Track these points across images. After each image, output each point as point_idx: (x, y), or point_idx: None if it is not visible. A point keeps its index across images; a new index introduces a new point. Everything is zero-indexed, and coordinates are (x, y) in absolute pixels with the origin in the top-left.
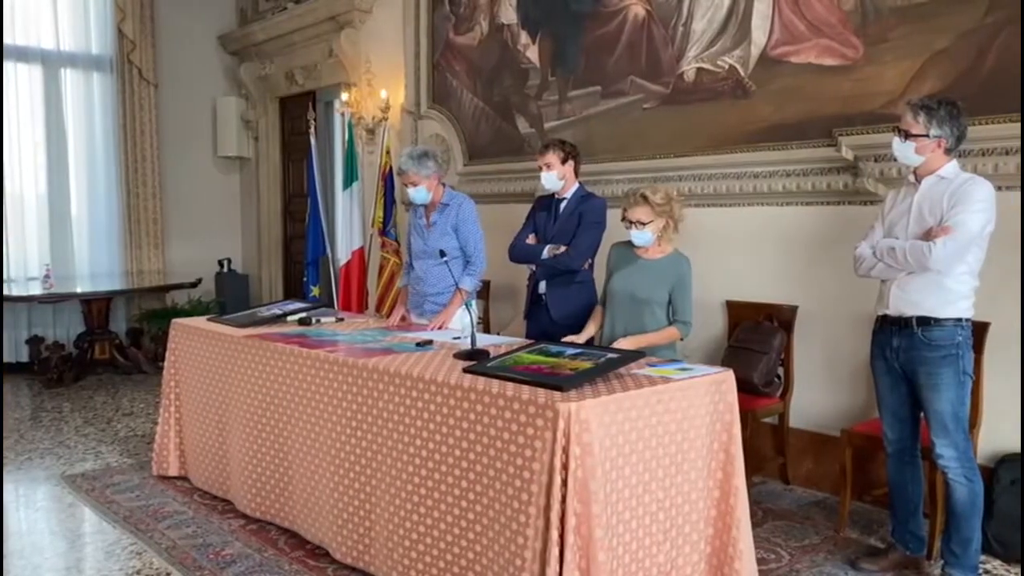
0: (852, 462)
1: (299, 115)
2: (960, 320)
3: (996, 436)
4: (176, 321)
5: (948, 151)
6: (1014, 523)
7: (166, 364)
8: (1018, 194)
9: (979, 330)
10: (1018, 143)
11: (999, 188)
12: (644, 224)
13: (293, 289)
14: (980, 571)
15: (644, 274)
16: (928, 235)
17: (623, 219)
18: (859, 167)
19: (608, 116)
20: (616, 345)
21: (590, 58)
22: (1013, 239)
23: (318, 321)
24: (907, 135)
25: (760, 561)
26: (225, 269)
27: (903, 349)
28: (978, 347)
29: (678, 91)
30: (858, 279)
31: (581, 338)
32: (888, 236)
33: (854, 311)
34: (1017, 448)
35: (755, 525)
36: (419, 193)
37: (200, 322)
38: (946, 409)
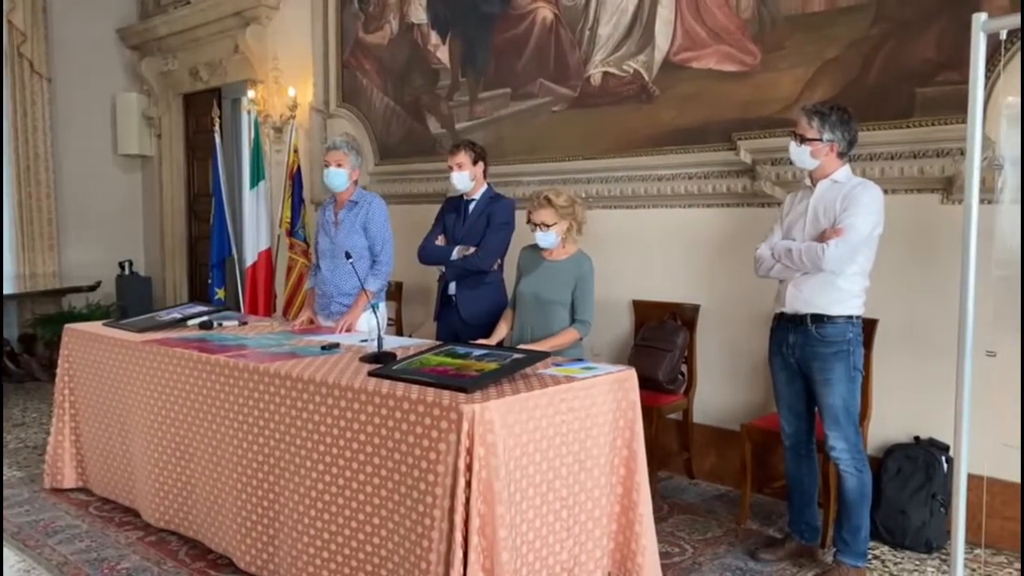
0: (752, 456)
1: (204, 112)
2: (851, 317)
3: (884, 428)
4: (69, 327)
5: (840, 155)
6: (900, 511)
7: (59, 372)
8: (905, 196)
9: (869, 327)
10: (903, 148)
11: (885, 191)
12: (549, 226)
13: (198, 292)
14: (869, 557)
15: (549, 276)
16: (822, 237)
17: (528, 221)
18: (757, 170)
19: (518, 118)
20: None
21: (500, 60)
22: (900, 240)
23: (220, 325)
24: (802, 139)
25: (664, 555)
26: (126, 271)
27: (798, 346)
28: (868, 343)
29: (585, 94)
30: (757, 279)
31: (492, 340)
32: (786, 238)
33: (753, 310)
34: (903, 439)
35: (660, 519)
36: (340, 177)
37: (95, 327)
38: (837, 403)
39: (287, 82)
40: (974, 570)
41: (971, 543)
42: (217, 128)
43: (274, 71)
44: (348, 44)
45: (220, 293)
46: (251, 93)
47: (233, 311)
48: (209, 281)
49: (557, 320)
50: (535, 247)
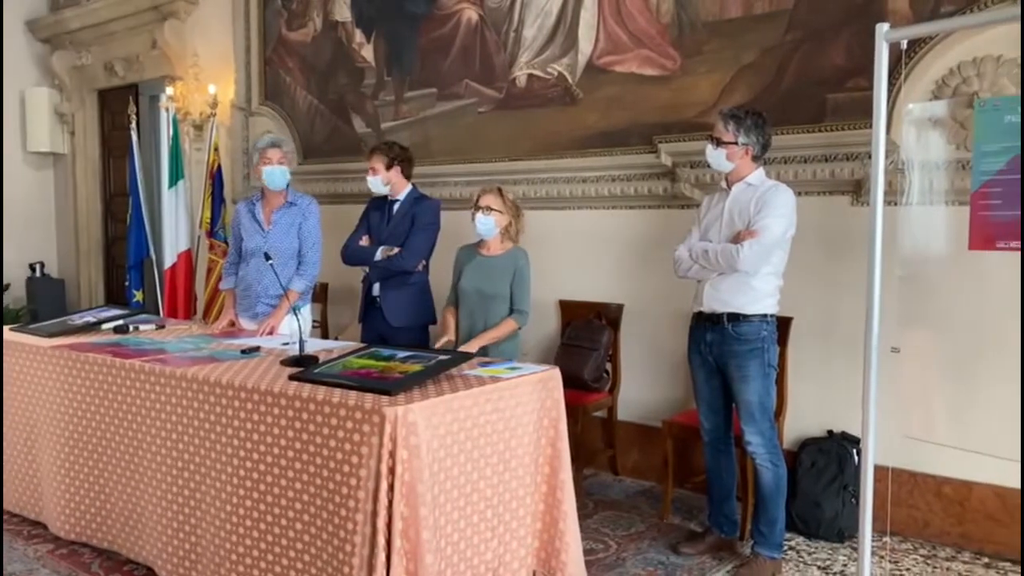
0: (674, 451)
1: (120, 109)
2: (765, 316)
3: (799, 423)
4: None
5: (755, 158)
6: (814, 502)
7: None
8: (817, 198)
9: (783, 325)
10: (815, 152)
11: (798, 194)
12: (492, 210)
13: (115, 294)
14: (785, 548)
15: (488, 270)
16: (737, 238)
17: (474, 206)
18: (677, 173)
19: (444, 118)
20: (463, 349)
21: (426, 60)
22: (813, 241)
23: (136, 329)
24: (718, 142)
25: (589, 551)
26: (37, 273)
27: (715, 344)
28: (783, 341)
29: (511, 96)
30: (678, 279)
31: (448, 335)
32: (703, 239)
33: (674, 309)
34: (817, 433)
35: (585, 516)
36: (284, 175)
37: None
38: (753, 399)
39: (207, 79)
40: (882, 557)
41: (879, 531)
42: (134, 125)
43: (194, 68)
44: (271, 41)
45: (138, 295)
46: (169, 90)
47: (151, 314)
48: (126, 283)
49: (501, 313)
50: (471, 246)
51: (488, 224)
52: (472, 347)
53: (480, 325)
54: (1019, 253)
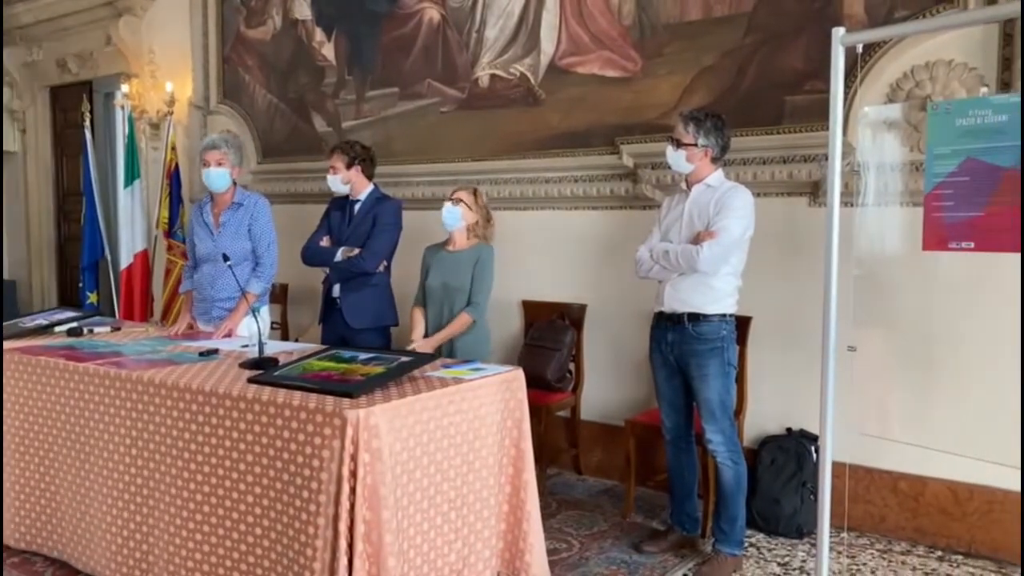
0: (636, 450)
1: (73, 106)
2: (725, 316)
3: (759, 421)
4: None
5: (714, 160)
6: (774, 499)
7: None
8: (775, 200)
9: (743, 324)
10: (773, 153)
11: (757, 195)
12: (460, 202)
13: (68, 296)
14: (745, 545)
15: (453, 265)
16: (697, 239)
17: (448, 198)
18: (638, 174)
19: (406, 118)
20: (418, 349)
21: (387, 59)
22: (772, 241)
23: (90, 331)
24: (678, 144)
25: (552, 551)
26: None
27: (676, 343)
28: (742, 340)
29: (473, 96)
30: (639, 279)
31: (416, 335)
32: (664, 240)
33: (636, 309)
34: (776, 431)
35: (549, 516)
36: (222, 177)
37: None
38: (713, 398)
39: (164, 77)
40: (840, 552)
41: (837, 527)
42: (88, 123)
43: (150, 65)
44: (229, 39)
45: (92, 297)
46: (125, 87)
47: (106, 316)
48: (80, 285)
49: (463, 307)
50: (437, 244)
51: (454, 214)
52: (428, 346)
53: (445, 319)
54: (972, 253)
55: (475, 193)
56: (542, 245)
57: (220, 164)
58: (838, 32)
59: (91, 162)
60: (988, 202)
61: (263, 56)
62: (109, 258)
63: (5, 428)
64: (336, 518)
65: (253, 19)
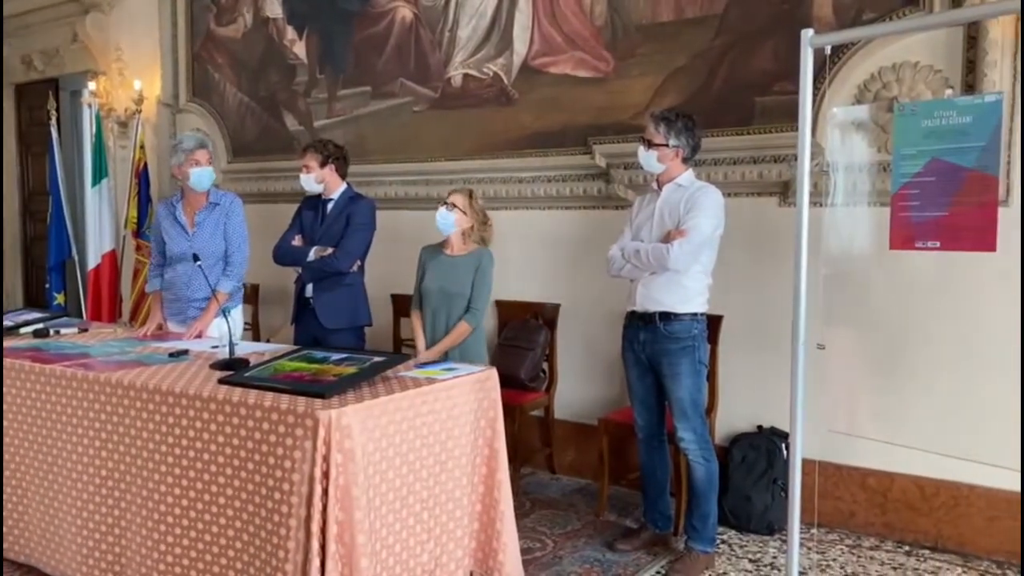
0: (609, 449)
1: (39, 104)
2: (695, 315)
3: (730, 419)
4: None
5: (685, 160)
6: (745, 496)
7: None
8: (746, 199)
9: (714, 323)
10: (744, 154)
11: (728, 195)
12: (455, 208)
13: (34, 297)
14: (717, 542)
15: (452, 269)
16: (667, 238)
17: (443, 202)
18: (611, 174)
19: (379, 117)
20: (421, 358)
21: (360, 58)
22: (743, 241)
23: (57, 332)
24: (649, 144)
25: (526, 551)
26: None
27: (648, 342)
28: (713, 339)
29: (446, 96)
30: (612, 279)
31: (419, 343)
32: (635, 239)
33: (609, 308)
34: (747, 428)
35: (523, 515)
36: (210, 176)
37: None
38: (685, 396)
39: (132, 74)
40: (810, 548)
41: (807, 523)
42: (54, 121)
43: (118, 62)
44: (199, 36)
45: (59, 298)
46: (92, 85)
47: (73, 317)
48: (47, 285)
49: (463, 312)
50: (434, 245)
51: (447, 220)
52: (431, 357)
53: (443, 323)
54: (938, 252)
55: (470, 196)
56: (515, 245)
57: (209, 163)
58: (807, 34)
59: (58, 161)
60: (953, 202)
61: (234, 54)
62: (76, 258)
63: None
64: (308, 519)
65: (223, 17)
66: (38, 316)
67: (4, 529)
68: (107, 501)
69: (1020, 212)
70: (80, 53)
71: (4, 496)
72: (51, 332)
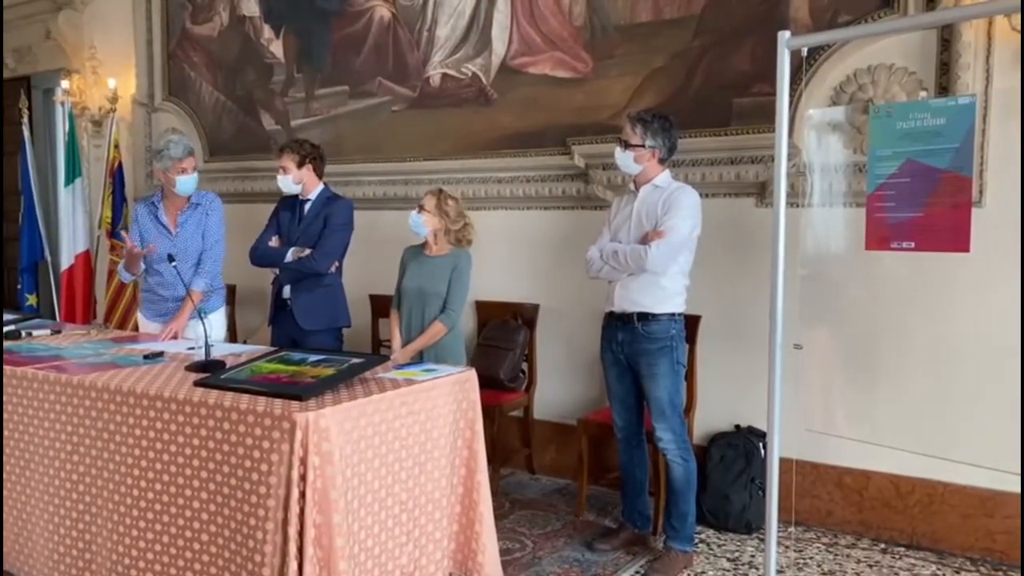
0: (588, 449)
1: (10, 103)
2: (673, 315)
3: (708, 418)
4: None
5: (662, 161)
6: (723, 495)
7: None
8: (723, 200)
9: (692, 323)
10: (721, 155)
11: (705, 195)
12: (422, 209)
13: (6, 299)
14: (696, 541)
15: (430, 269)
16: (645, 239)
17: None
18: (590, 174)
19: (357, 116)
20: (394, 357)
21: (337, 57)
22: (720, 241)
23: (29, 334)
24: (626, 145)
25: (505, 552)
26: None
27: (627, 343)
28: (691, 339)
29: (425, 95)
30: (591, 279)
31: (395, 344)
32: (613, 240)
33: (588, 309)
34: (725, 428)
35: (502, 516)
36: (192, 182)
37: None
38: (663, 396)
39: (107, 73)
40: (788, 547)
41: (784, 522)
42: (26, 120)
43: (91, 60)
44: (175, 35)
45: (31, 299)
46: (65, 83)
47: (46, 319)
48: (19, 286)
49: (437, 312)
50: (416, 246)
51: (417, 223)
52: (405, 357)
53: (418, 323)
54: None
55: (439, 196)
56: (495, 245)
57: (195, 170)
58: (784, 36)
59: (30, 160)
60: (927, 203)
61: (210, 53)
62: (49, 259)
63: None
64: (285, 522)
65: (199, 15)
66: (9, 318)
67: None
68: (79, 504)
69: (1020, 213)
70: (53, 51)
71: None
72: (23, 334)
